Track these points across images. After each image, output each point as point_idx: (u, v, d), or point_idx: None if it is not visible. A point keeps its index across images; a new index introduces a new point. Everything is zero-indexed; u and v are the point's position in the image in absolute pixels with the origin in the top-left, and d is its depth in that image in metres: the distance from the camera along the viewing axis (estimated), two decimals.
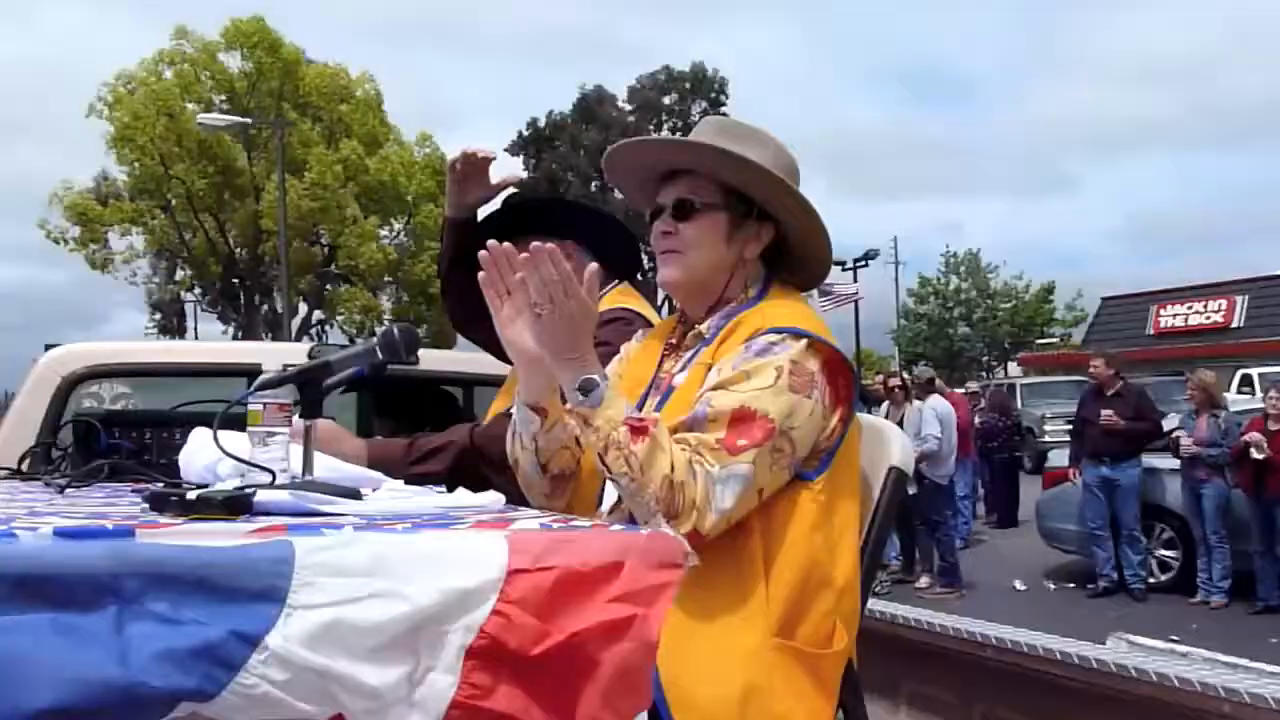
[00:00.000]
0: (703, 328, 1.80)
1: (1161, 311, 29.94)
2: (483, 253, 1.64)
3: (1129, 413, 8.55)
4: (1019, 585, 9.42)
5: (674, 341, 1.89)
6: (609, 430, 1.54)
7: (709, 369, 1.69)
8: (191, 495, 1.31)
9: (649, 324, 2.32)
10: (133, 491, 1.72)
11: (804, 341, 1.65)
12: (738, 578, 1.59)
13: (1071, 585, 9.25)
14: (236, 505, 1.31)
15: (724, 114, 43.81)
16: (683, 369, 1.78)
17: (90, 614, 0.97)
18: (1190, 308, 29.32)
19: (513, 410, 1.82)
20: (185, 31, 30.61)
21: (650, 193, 1.87)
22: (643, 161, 1.88)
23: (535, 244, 1.56)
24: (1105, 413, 8.51)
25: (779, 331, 1.65)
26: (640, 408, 1.71)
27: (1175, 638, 5.48)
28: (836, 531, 1.66)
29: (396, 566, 1.08)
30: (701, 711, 1.51)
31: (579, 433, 1.62)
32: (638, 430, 1.54)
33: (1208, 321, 28.62)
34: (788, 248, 1.84)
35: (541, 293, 1.56)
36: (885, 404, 9.91)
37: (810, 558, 1.62)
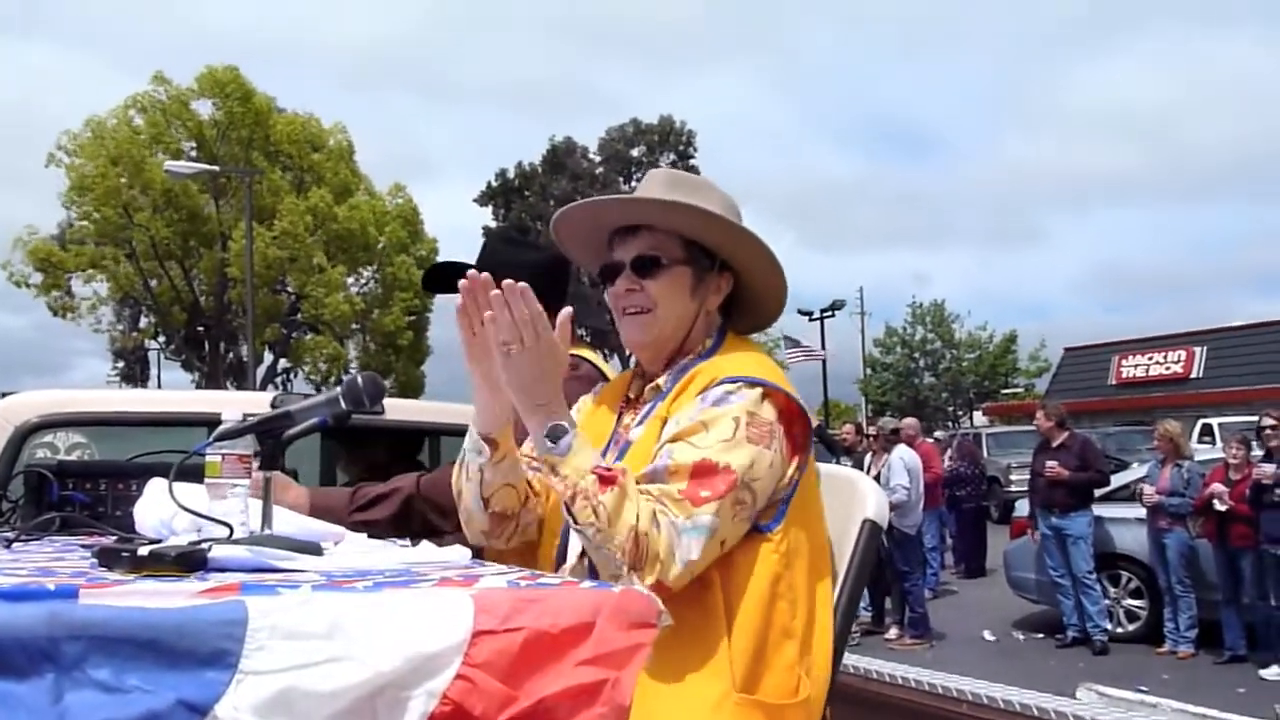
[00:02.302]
0: (660, 380, 1.78)
1: (1123, 362, 30.35)
2: (462, 281, 1.60)
3: (1074, 463, 8.67)
4: (988, 635, 9.40)
5: (631, 396, 1.87)
6: (576, 479, 1.52)
7: (664, 422, 1.67)
8: (143, 550, 1.26)
9: (599, 370, 2.30)
10: (83, 546, 1.65)
11: (759, 390, 1.63)
12: (699, 631, 1.57)
13: (1040, 635, 9.24)
14: (190, 561, 1.26)
15: (693, 166, 44.58)
16: (640, 423, 1.77)
17: (25, 682, 0.91)
18: (1151, 358, 29.75)
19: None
20: (164, 78, 30.63)
21: (596, 250, 1.86)
22: (597, 220, 1.84)
23: (508, 282, 1.53)
24: (1050, 464, 8.73)
25: (734, 381, 1.64)
26: None
27: (1144, 688, 5.46)
28: (798, 582, 1.64)
29: (355, 629, 1.03)
30: None
31: (547, 480, 1.59)
32: (606, 480, 1.52)
33: (1168, 372, 29.04)
34: (743, 295, 1.84)
35: (511, 331, 1.53)
36: (868, 455, 9.93)
37: (772, 609, 1.60)
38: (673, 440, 1.60)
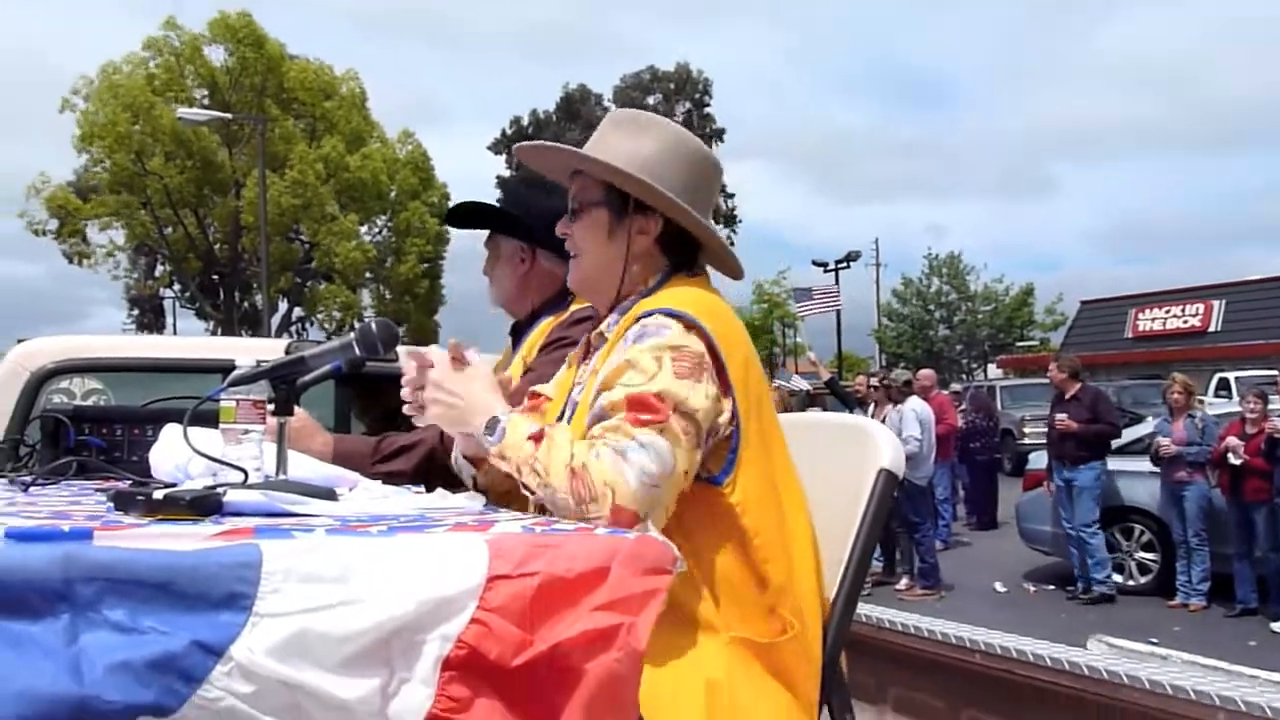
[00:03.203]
0: (603, 327, 1.78)
1: (1140, 315, 30.13)
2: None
3: (1084, 415, 8.65)
4: (999, 587, 9.43)
5: (585, 348, 1.86)
6: (516, 453, 1.53)
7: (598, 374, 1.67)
8: (158, 495, 1.26)
9: None
10: (99, 490, 1.66)
11: (680, 323, 1.60)
12: (677, 583, 1.54)
13: (1051, 587, 9.27)
14: (204, 505, 1.26)
15: (709, 115, 44.17)
16: (581, 381, 1.77)
17: (41, 623, 0.91)
18: (1168, 311, 29.51)
19: None
20: (175, 24, 30.41)
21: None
22: (548, 164, 1.89)
23: (401, 348, 1.58)
24: (1059, 416, 8.72)
25: (650, 314, 1.62)
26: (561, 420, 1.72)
27: (1154, 640, 5.49)
28: (764, 529, 1.60)
29: (370, 572, 1.02)
30: (670, 714, 1.47)
31: (502, 469, 1.58)
32: (535, 438, 1.53)
33: (1185, 325, 28.82)
34: (695, 238, 1.80)
35: (410, 395, 1.65)
36: (870, 406, 9.92)
37: (737, 558, 1.58)
38: (604, 388, 1.58)
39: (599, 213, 1.76)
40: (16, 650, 0.88)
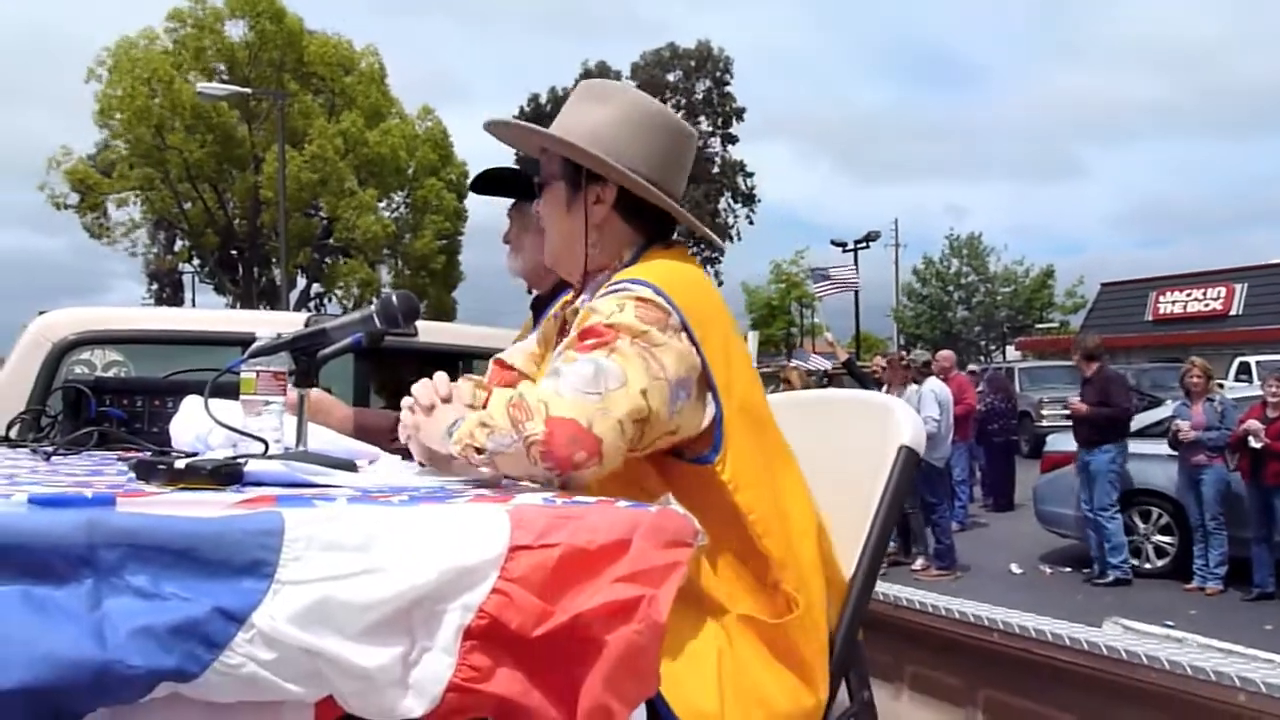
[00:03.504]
0: (578, 302, 1.77)
1: (1160, 298, 29.90)
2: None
3: (1096, 398, 8.61)
4: (1015, 569, 9.42)
5: (562, 324, 1.84)
6: (467, 428, 1.45)
7: None
8: (179, 464, 1.26)
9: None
10: (120, 460, 1.67)
11: (648, 288, 1.55)
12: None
13: (1068, 569, 9.25)
14: (225, 475, 1.26)
15: (729, 94, 43.93)
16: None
17: (65, 587, 0.91)
18: (1189, 295, 29.26)
19: None
20: None
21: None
22: (527, 145, 1.88)
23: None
24: (1071, 399, 8.75)
25: (619, 283, 1.59)
26: None
27: (1170, 623, 5.47)
28: (760, 505, 1.58)
29: (391, 541, 1.02)
30: (686, 695, 1.45)
31: (465, 458, 1.48)
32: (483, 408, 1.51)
33: (1206, 309, 28.58)
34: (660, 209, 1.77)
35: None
36: (884, 386, 9.88)
37: (734, 536, 1.56)
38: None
39: (557, 185, 1.76)
40: (41, 614, 0.89)
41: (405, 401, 1.63)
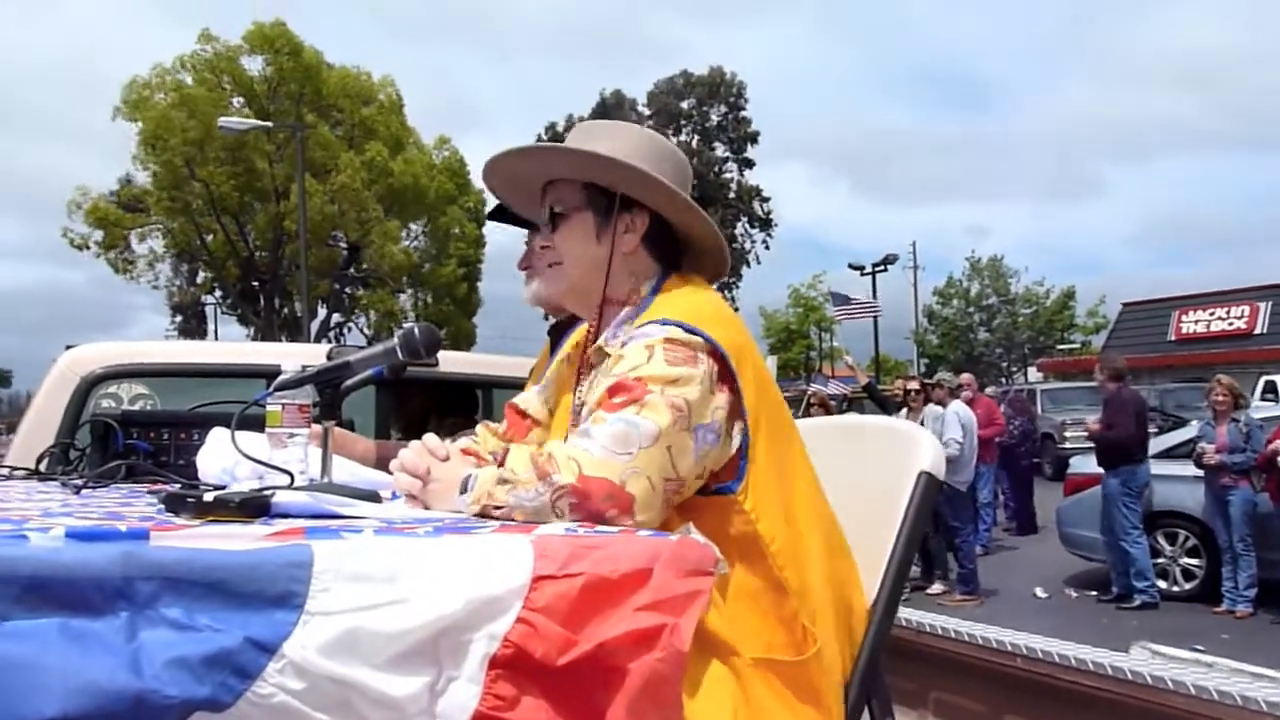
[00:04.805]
0: (602, 340, 1.72)
1: (1183, 317, 29.70)
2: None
3: (1107, 420, 8.57)
4: (1040, 593, 9.34)
5: (582, 363, 1.80)
6: (485, 485, 1.44)
7: None
8: (208, 497, 1.28)
9: None
10: (149, 492, 1.69)
11: (676, 328, 1.55)
12: None
13: (1093, 593, 9.16)
14: (253, 507, 1.28)
15: (744, 119, 44.08)
16: (584, 401, 1.68)
17: (101, 619, 0.94)
18: (1212, 314, 29.06)
19: None
20: (210, 36, 30.82)
21: (535, 199, 1.83)
22: (515, 178, 1.82)
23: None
24: (1089, 419, 8.73)
25: (650, 323, 1.58)
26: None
27: (1200, 647, 5.40)
28: (779, 535, 1.56)
29: (418, 572, 1.04)
30: None
31: (492, 512, 1.47)
32: (500, 462, 1.49)
33: (1230, 327, 28.36)
34: (683, 237, 1.76)
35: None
36: (903, 410, 9.84)
37: (754, 570, 1.54)
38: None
39: (582, 216, 1.72)
40: (79, 645, 0.91)
41: (394, 465, 1.58)
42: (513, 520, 1.38)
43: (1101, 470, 8.76)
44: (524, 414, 1.90)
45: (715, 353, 1.54)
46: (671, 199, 1.71)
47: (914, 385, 9.99)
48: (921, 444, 1.91)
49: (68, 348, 3.31)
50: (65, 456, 2.39)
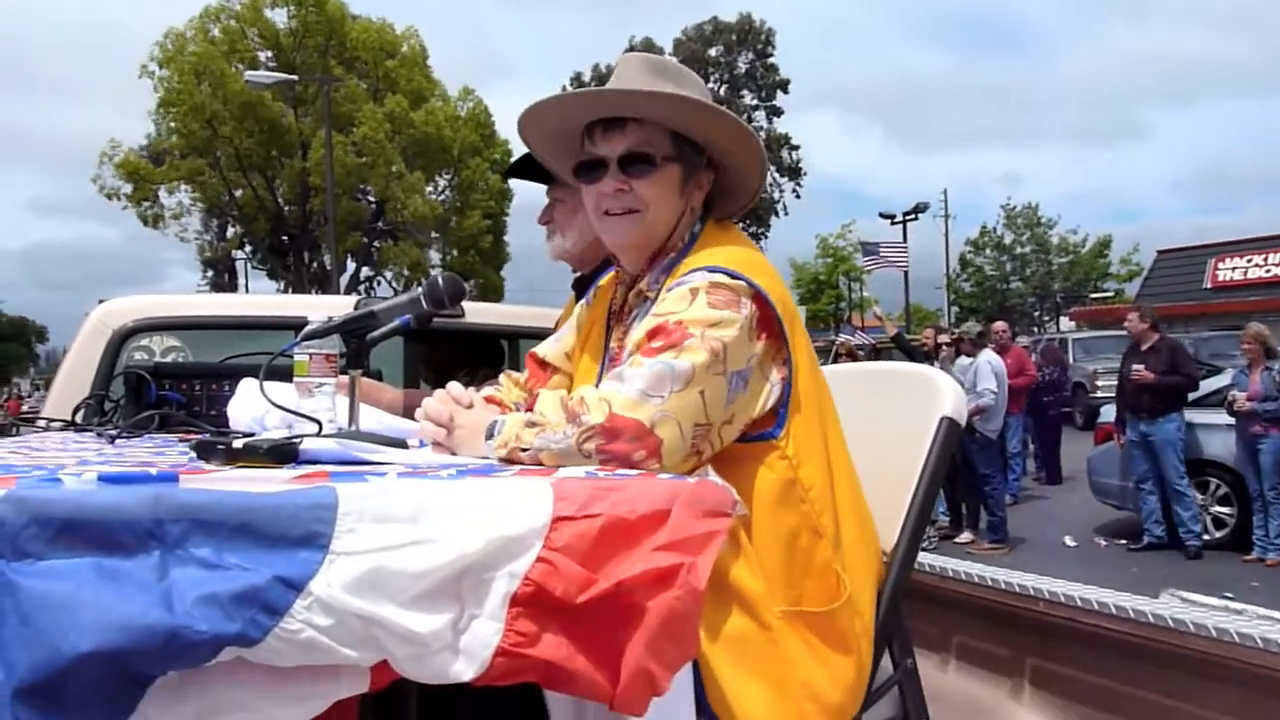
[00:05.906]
0: (643, 285, 1.71)
1: (1220, 265, 29.21)
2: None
3: (1162, 367, 8.43)
4: (1069, 541, 9.33)
5: (615, 307, 1.80)
6: (513, 429, 1.45)
7: None
8: (237, 444, 1.31)
9: None
10: (181, 441, 1.73)
11: (721, 274, 1.55)
12: (723, 557, 1.43)
13: (1123, 542, 9.14)
14: (282, 454, 1.31)
15: (772, 66, 43.52)
16: (622, 344, 1.68)
17: (134, 558, 0.97)
18: (1250, 261, 28.57)
19: None
20: None
21: (571, 147, 1.76)
22: (571, 113, 1.72)
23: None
24: (1136, 367, 8.48)
25: (693, 270, 1.57)
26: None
27: (1229, 595, 5.40)
28: (817, 481, 1.58)
29: (440, 513, 1.07)
30: (731, 699, 1.44)
31: (516, 457, 1.47)
32: (529, 409, 1.50)
33: (1268, 275, 27.89)
34: (721, 182, 1.75)
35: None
36: (936, 361, 9.80)
37: (793, 516, 1.56)
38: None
39: (672, 168, 1.68)
40: (114, 583, 0.94)
41: (419, 413, 1.60)
42: (539, 464, 1.39)
43: (1138, 418, 8.66)
44: (544, 363, 1.91)
45: (759, 298, 1.55)
46: (750, 152, 1.70)
47: (945, 338, 9.92)
48: (943, 389, 1.92)
49: (100, 302, 3.35)
50: (100, 408, 2.45)
